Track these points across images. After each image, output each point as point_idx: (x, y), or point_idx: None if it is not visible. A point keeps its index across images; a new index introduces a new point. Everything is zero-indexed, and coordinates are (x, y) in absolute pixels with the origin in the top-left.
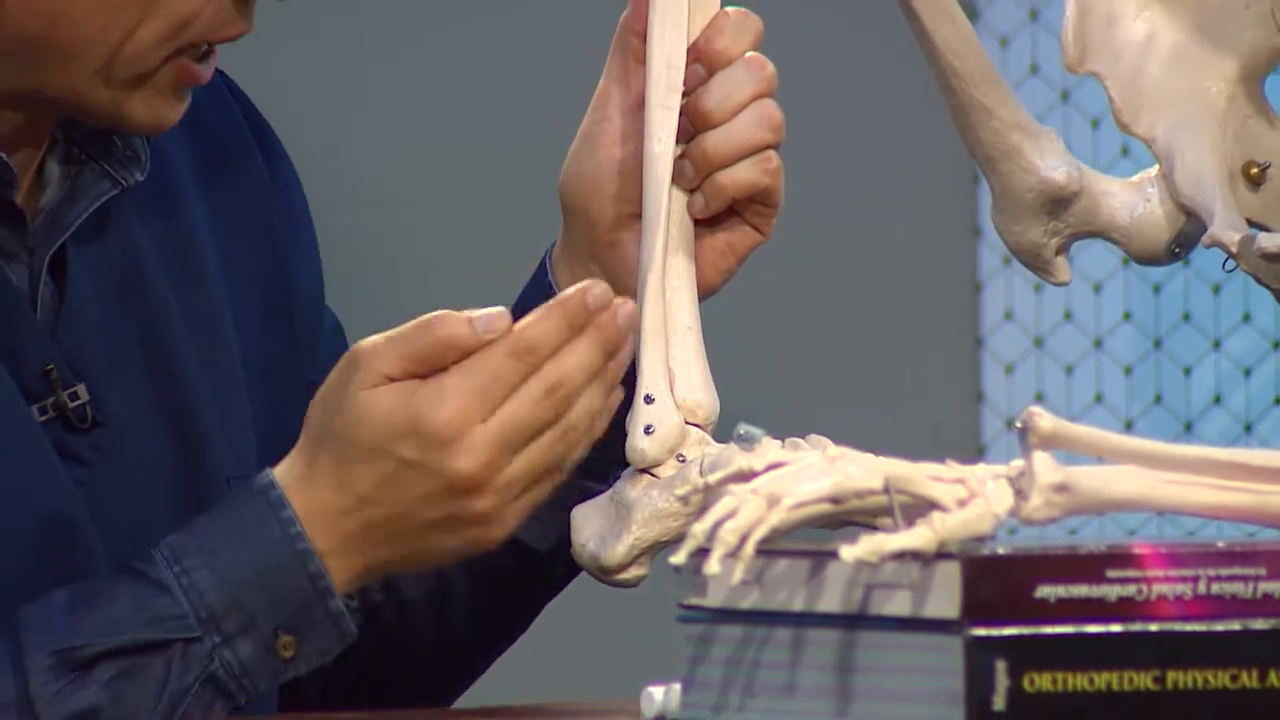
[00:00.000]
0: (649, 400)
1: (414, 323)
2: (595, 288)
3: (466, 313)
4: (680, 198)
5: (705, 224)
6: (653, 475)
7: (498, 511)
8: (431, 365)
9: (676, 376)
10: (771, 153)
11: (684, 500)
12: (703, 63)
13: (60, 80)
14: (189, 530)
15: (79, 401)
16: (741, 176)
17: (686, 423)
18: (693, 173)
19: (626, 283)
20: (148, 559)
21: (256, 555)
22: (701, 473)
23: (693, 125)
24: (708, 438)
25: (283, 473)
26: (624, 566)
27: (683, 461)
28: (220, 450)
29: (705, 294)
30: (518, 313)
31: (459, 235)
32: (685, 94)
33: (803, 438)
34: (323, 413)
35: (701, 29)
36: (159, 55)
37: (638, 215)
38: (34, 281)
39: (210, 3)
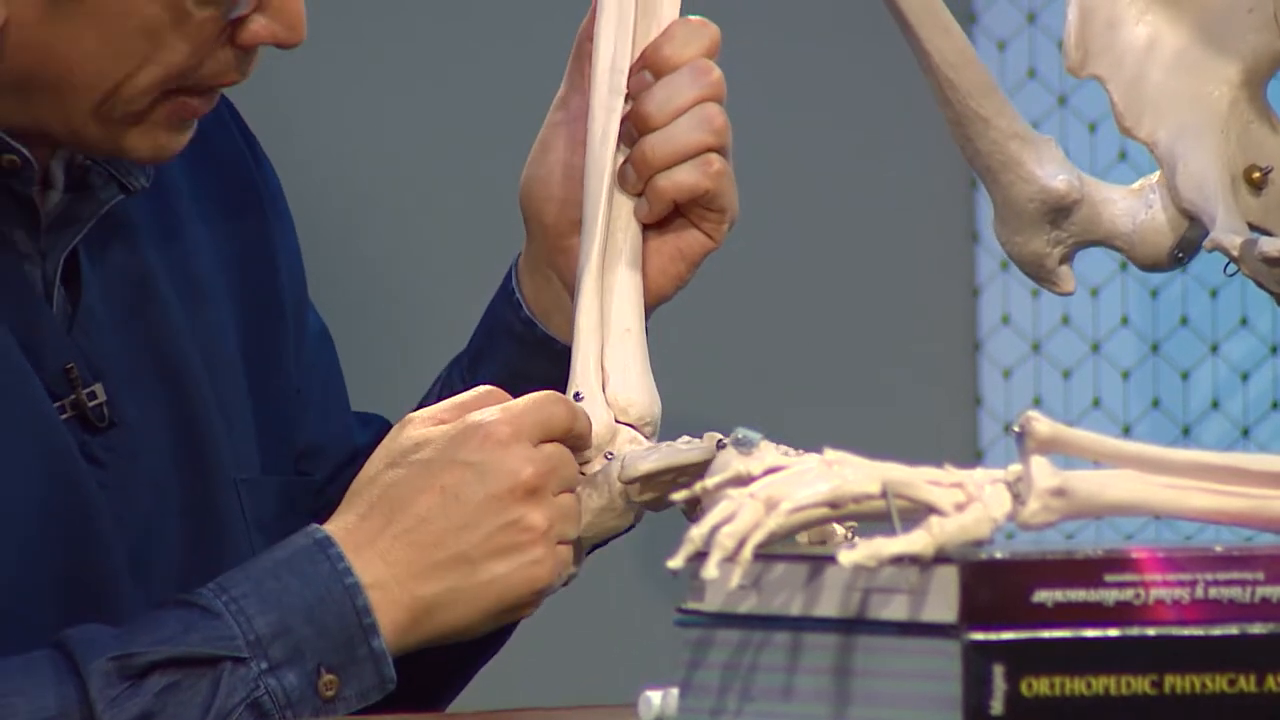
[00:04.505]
0: (578, 398)
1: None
2: None
3: None
4: (626, 203)
5: (655, 230)
6: (580, 472)
7: (549, 536)
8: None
9: (611, 376)
10: (713, 155)
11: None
12: (650, 68)
13: (57, 116)
14: (232, 570)
15: (97, 401)
16: (681, 179)
17: (617, 421)
18: (635, 177)
19: None
20: (191, 594)
21: (304, 586)
22: (621, 471)
23: (635, 129)
24: (639, 436)
25: (328, 524)
26: None
27: (610, 459)
28: (227, 453)
29: (658, 300)
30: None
31: (448, 236)
32: (632, 99)
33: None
34: (368, 470)
35: (655, 35)
36: (153, 95)
37: None
38: (47, 283)
39: (210, 56)
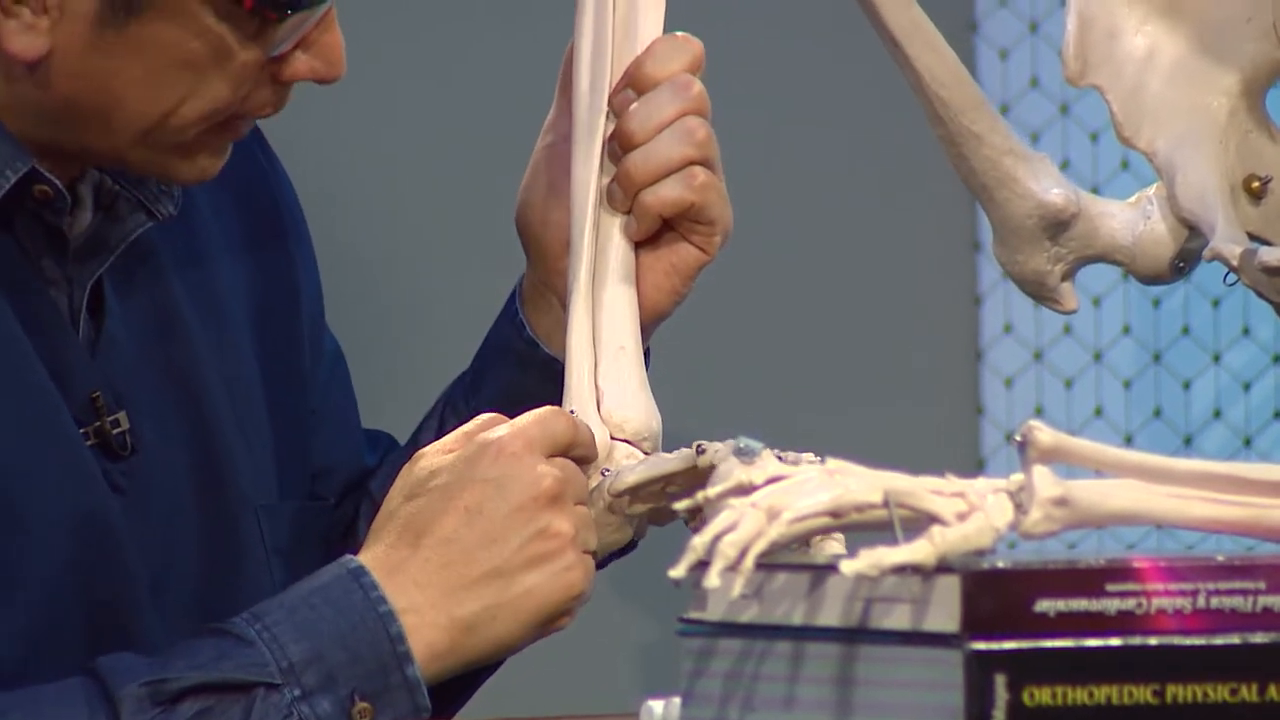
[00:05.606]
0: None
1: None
2: None
3: None
4: (615, 221)
5: (647, 246)
6: None
7: (576, 543)
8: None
9: (606, 394)
10: (696, 168)
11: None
12: (633, 86)
13: (104, 142)
14: (266, 600)
15: (120, 429)
16: (666, 194)
17: (613, 438)
18: (622, 194)
19: None
20: (224, 622)
21: (338, 614)
22: (611, 487)
23: (619, 148)
24: (636, 452)
25: (359, 555)
26: None
27: (605, 475)
28: (246, 481)
29: (656, 317)
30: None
31: (453, 248)
32: (617, 117)
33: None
34: (388, 506)
35: (638, 53)
36: (199, 128)
37: None
38: (74, 310)
39: (254, 89)
